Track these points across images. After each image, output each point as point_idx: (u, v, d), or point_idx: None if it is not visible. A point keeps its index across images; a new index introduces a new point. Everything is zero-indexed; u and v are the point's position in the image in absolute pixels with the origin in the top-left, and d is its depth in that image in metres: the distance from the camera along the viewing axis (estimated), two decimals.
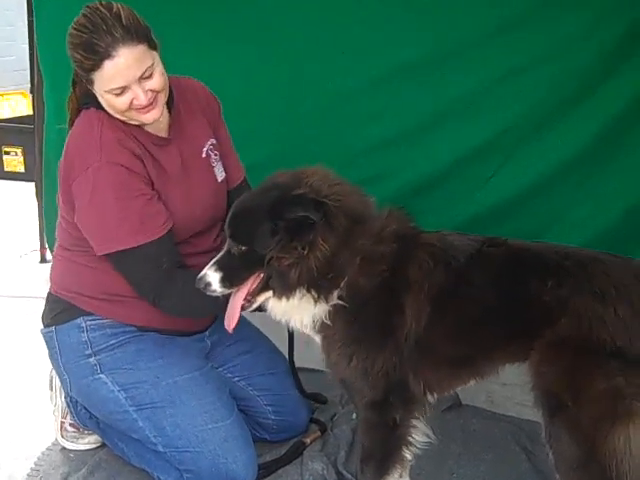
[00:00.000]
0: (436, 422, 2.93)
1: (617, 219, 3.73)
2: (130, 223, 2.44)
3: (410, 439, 2.44)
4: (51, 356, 2.76)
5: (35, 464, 2.84)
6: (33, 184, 4.77)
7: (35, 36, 4.12)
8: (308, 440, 2.92)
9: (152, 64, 2.43)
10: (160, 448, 2.61)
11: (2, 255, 4.97)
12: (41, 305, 4.14)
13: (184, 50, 3.59)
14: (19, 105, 7.70)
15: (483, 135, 3.70)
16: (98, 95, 2.47)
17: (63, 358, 2.70)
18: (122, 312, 2.64)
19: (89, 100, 2.53)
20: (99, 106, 2.51)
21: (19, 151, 6.83)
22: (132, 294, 2.57)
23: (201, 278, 2.29)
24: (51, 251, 4.61)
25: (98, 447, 2.91)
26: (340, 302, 2.29)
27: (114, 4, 2.41)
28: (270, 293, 2.29)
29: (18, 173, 6.85)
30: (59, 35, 3.93)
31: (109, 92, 2.41)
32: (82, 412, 2.85)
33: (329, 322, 2.32)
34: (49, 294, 2.79)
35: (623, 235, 3.74)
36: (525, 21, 3.57)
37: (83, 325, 2.65)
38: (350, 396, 2.54)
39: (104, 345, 2.64)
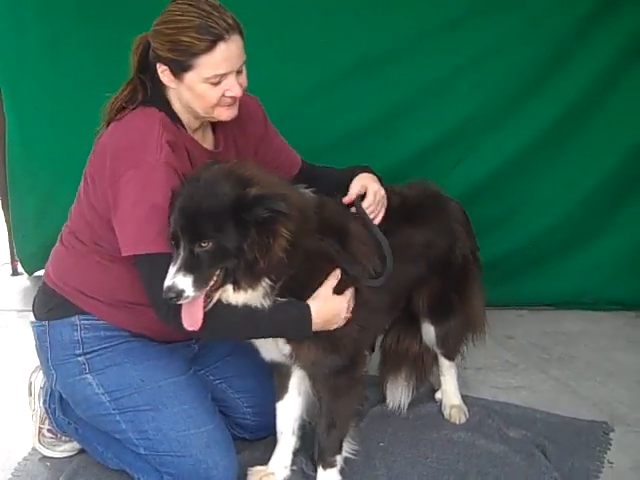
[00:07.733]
0: (410, 408, 2.99)
1: (578, 202, 3.85)
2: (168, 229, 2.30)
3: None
4: (40, 349, 2.70)
5: (12, 475, 2.81)
6: None
7: None
8: None
9: (244, 60, 2.45)
10: (142, 450, 2.60)
11: None
12: (13, 318, 4.18)
13: None
14: None
15: (447, 125, 3.76)
16: (188, 87, 2.40)
17: (52, 354, 2.65)
18: (123, 318, 2.59)
19: (152, 100, 2.47)
20: (162, 107, 2.45)
21: None
22: (140, 302, 2.48)
23: (171, 287, 2.17)
24: (22, 264, 4.59)
25: (75, 455, 2.90)
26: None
27: None
28: (227, 287, 2.27)
29: None
30: (17, 51, 3.96)
31: (207, 80, 2.37)
32: (60, 418, 2.83)
33: None
34: (44, 284, 2.69)
35: (585, 217, 3.86)
36: (481, 13, 3.63)
37: (77, 324, 2.60)
38: (315, 380, 2.58)
39: (96, 347, 2.60)
